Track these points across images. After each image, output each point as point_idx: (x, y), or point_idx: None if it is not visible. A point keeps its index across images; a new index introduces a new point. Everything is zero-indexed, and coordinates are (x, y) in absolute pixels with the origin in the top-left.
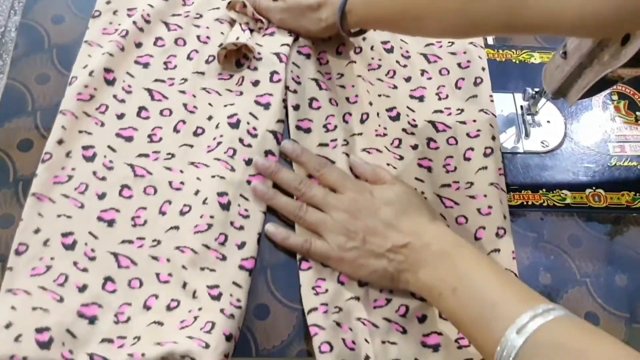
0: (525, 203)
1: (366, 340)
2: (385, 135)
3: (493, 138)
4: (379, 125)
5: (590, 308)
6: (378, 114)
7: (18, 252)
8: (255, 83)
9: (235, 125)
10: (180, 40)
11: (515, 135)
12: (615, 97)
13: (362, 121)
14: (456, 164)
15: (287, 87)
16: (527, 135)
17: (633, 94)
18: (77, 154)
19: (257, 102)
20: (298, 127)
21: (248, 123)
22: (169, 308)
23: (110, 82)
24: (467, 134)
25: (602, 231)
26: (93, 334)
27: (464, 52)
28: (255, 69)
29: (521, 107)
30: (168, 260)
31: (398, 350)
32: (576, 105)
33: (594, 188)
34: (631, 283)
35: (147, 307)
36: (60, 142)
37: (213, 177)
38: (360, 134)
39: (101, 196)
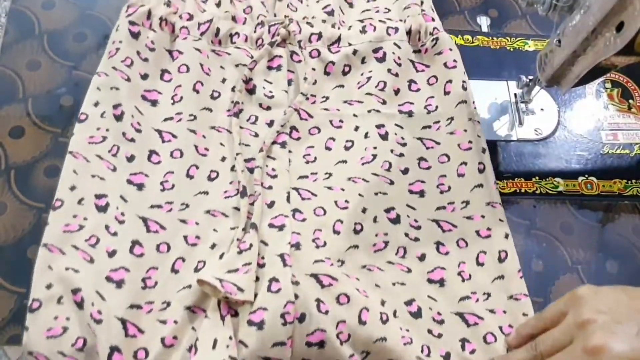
0: (518, 191)
1: (377, 285)
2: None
3: (464, 73)
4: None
5: None
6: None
7: (54, 207)
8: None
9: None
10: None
11: (508, 123)
12: (608, 85)
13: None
14: (437, 102)
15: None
16: (520, 123)
17: (626, 82)
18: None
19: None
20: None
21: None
22: (196, 270)
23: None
24: (445, 65)
25: (594, 219)
26: (120, 298)
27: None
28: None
29: (515, 94)
30: (197, 223)
31: (409, 290)
32: (570, 93)
33: (586, 176)
34: (622, 270)
35: (175, 271)
36: (96, 104)
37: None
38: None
39: (130, 158)
